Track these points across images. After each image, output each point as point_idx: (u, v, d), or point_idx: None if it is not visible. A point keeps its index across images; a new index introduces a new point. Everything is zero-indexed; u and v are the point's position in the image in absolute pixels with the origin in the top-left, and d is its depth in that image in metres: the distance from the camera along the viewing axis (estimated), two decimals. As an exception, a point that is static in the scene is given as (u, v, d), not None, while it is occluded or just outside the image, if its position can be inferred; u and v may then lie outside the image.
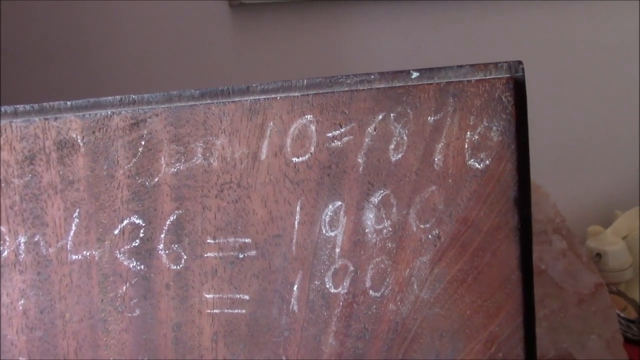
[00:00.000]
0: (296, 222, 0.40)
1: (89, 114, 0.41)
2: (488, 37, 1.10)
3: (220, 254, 0.41)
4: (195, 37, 1.07)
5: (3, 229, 0.42)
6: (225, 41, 1.07)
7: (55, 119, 0.41)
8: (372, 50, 1.10)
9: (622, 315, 0.91)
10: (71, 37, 1.07)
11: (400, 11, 1.08)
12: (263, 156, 0.40)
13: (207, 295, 0.41)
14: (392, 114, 0.38)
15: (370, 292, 0.39)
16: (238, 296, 0.41)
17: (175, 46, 1.08)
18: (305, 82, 0.39)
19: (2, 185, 0.42)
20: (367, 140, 0.39)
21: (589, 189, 1.18)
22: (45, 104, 0.42)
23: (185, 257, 0.41)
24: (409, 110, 0.38)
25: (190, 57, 1.08)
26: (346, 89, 0.39)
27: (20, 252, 0.42)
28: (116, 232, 0.41)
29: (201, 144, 0.40)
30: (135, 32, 1.07)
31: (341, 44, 1.09)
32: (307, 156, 0.39)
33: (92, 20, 1.07)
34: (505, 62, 0.38)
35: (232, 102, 0.40)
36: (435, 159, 0.38)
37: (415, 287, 0.39)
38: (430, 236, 0.38)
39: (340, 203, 0.39)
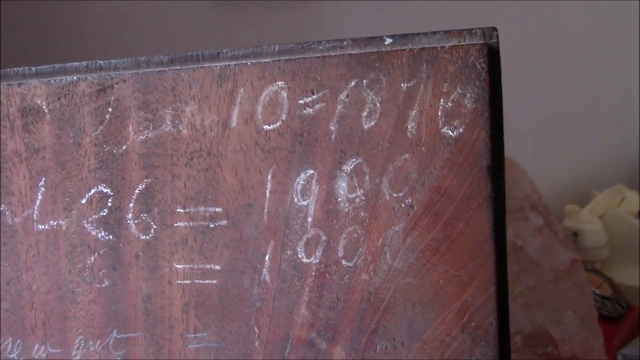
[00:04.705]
0: (267, 191, 0.39)
1: (54, 80, 0.40)
2: (461, 19, 1.09)
3: (191, 224, 0.40)
4: (178, 30, 1.06)
5: (-33, 199, 0.41)
6: (208, 34, 1.06)
7: (19, 84, 0.40)
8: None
9: (597, 292, 0.92)
10: (59, 28, 1.05)
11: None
12: (233, 124, 0.39)
13: (178, 266, 0.40)
14: (364, 81, 0.38)
15: (343, 261, 0.39)
16: (209, 266, 0.40)
17: (159, 39, 1.07)
18: (276, 48, 0.39)
19: (-34, 153, 0.41)
20: (339, 107, 0.38)
21: (567, 169, 1.18)
22: (8, 69, 0.40)
23: (154, 227, 0.40)
24: (381, 77, 0.37)
25: (173, 50, 1.07)
26: (318, 55, 0.38)
27: (-15, 222, 0.41)
28: (83, 201, 0.41)
29: (170, 111, 0.39)
30: (117, 26, 1.06)
31: (322, 35, 1.09)
32: (278, 124, 0.39)
33: (77, 18, 1.05)
34: (480, 28, 0.37)
35: (202, 67, 0.39)
36: (409, 127, 0.37)
37: (388, 256, 0.38)
38: (403, 205, 0.38)
39: (312, 172, 0.39)
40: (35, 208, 0.41)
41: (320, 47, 0.38)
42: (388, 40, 0.38)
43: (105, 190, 0.40)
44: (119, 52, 1.06)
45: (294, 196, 0.39)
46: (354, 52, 0.38)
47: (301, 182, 0.39)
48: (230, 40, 1.06)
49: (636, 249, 1.02)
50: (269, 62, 0.38)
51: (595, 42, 1.15)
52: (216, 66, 0.39)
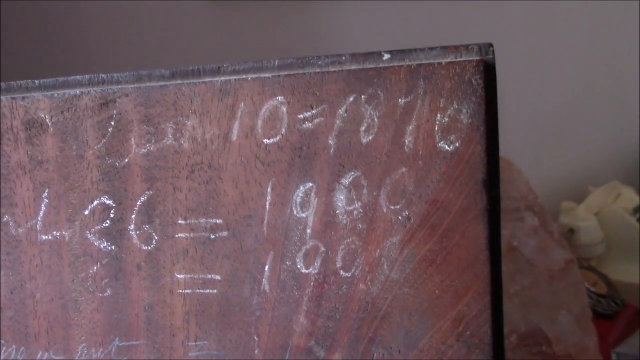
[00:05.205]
0: (267, 203, 0.40)
1: (58, 94, 0.41)
2: (459, 17, 1.10)
3: (192, 235, 0.41)
4: (176, 30, 1.06)
5: (-29, 209, 0.42)
6: (207, 34, 1.07)
7: (23, 98, 0.41)
8: (350, 42, 1.09)
9: (592, 289, 0.93)
10: (55, 29, 1.05)
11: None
12: (234, 137, 0.40)
13: (179, 276, 0.41)
14: (363, 96, 0.38)
15: (341, 272, 0.40)
16: (209, 276, 0.41)
17: (157, 38, 1.07)
18: (276, 63, 0.39)
19: (-30, 164, 0.42)
20: (338, 121, 0.39)
21: (563, 165, 1.19)
22: (12, 82, 0.41)
23: (156, 238, 0.41)
24: (379, 92, 0.38)
25: (170, 50, 1.08)
26: (317, 70, 0.39)
27: (-11, 232, 0.42)
28: (86, 212, 0.41)
29: (172, 125, 0.40)
30: (115, 25, 1.06)
31: (319, 35, 1.09)
32: (278, 137, 0.39)
33: (76, 17, 1.05)
34: (476, 44, 0.38)
35: (203, 82, 0.40)
36: (406, 141, 0.38)
37: (385, 267, 0.39)
38: (400, 217, 0.39)
39: (311, 184, 0.39)
40: (39, 219, 0.42)
41: (320, 63, 0.39)
42: (386, 56, 0.38)
43: (107, 202, 0.41)
44: (116, 51, 1.06)
45: (293, 208, 0.39)
46: (352, 67, 0.38)
47: (300, 194, 0.39)
48: (229, 40, 1.06)
49: (631, 245, 1.03)
50: (269, 77, 0.39)
51: (591, 39, 1.15)
52: (217, 81, 0.39)
